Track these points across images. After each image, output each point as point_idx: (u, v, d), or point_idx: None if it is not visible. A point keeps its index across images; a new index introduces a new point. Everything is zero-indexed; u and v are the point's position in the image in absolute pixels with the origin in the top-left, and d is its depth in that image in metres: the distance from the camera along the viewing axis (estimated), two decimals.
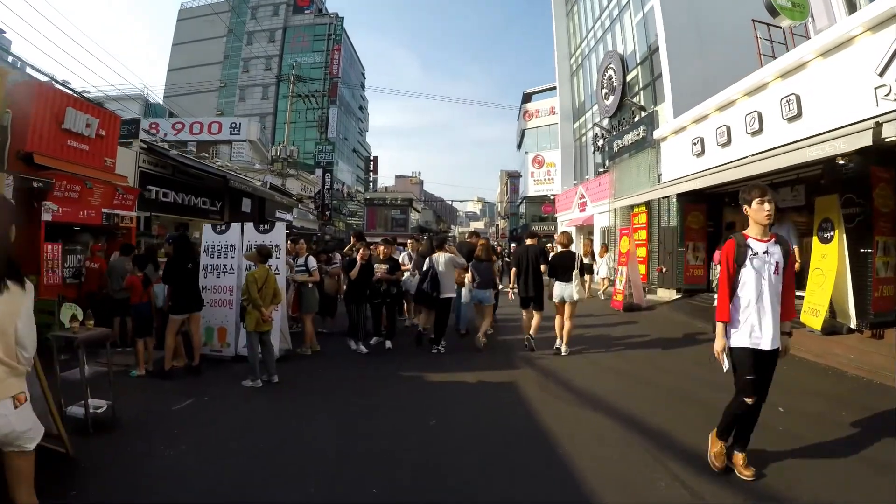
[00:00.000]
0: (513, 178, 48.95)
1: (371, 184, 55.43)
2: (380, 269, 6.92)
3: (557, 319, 6.41)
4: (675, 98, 12.62)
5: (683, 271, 10.55)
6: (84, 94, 9.95)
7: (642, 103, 16.52)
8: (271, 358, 5.43)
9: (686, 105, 11.37)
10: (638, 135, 13.37)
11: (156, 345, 5.88)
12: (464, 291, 7.41)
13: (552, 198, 27.61)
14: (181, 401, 4.62)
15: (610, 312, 10.14)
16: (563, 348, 6.32)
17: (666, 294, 11.51)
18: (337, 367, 6.15)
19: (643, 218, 13.75)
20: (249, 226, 6.74)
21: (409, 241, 9.24)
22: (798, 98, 7.43)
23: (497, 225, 60.15)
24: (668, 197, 11.06)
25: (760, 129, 8.27)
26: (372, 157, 58.33)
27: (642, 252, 12.03)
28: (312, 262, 7.02)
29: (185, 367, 5.77)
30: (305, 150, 43.27)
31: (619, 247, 11.20)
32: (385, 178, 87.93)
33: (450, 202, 67.60)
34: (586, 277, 10.64)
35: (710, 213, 10.68)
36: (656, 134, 12.02)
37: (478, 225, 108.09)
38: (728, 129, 9.09)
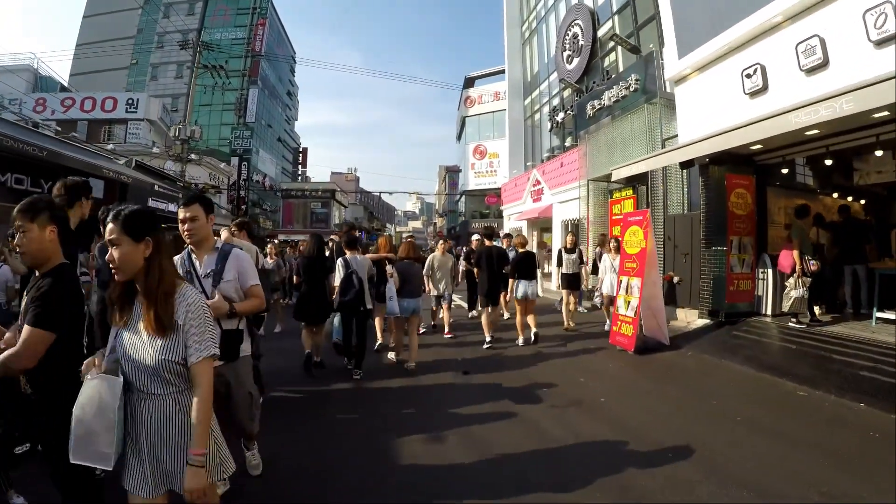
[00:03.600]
0: (452, 173, 45.72)
1: (300, 177, 49.78)
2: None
3: (519, 318, 6.56)
4: (679, 36, 8.93)
5: (726, 284, 6.61)
6: None
7: (618, 62, 12.91)
8: None
9: (692, 46, 7.64)
10: (628, 87, 9.50)
11: None
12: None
13: (498, 189, 23.68)
14: None
15: (614, 357, 5.91)
16: (533, 331, 6.46)
17: (680, 316, 7.66)
18: None
19: (629, 205, 9.92)
20: None
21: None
22: None
23: (435, 223, 56.70)
24: (690, 165, 7.04)
25: None
26: (301, 149, 52.81)
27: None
28: None
29: None
30: (221, 137, 38.09)
31: (623, 244, 6.89)
32: (321, 174, 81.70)
33: (377, 194, 62.65)
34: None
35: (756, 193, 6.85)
36: (669, 74, 8.01)
37: (416, 224, 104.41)
38: (822, 41, 5.29)
